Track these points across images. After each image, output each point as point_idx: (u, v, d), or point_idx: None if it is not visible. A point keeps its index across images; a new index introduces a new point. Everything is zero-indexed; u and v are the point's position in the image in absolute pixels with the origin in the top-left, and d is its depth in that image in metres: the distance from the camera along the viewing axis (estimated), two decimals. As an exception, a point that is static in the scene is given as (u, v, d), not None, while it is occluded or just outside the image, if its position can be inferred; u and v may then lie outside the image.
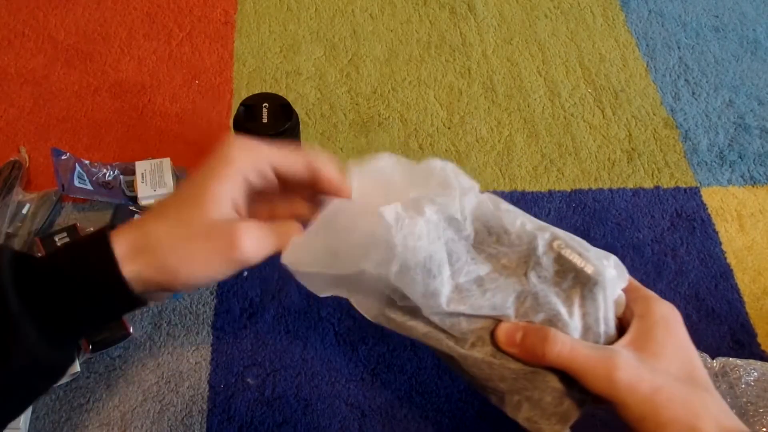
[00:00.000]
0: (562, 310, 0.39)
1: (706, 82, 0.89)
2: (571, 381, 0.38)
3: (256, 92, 0.70)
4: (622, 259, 0.70)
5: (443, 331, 0.40)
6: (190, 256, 0.38)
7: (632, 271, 0.69)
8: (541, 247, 0.39)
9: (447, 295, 0.38)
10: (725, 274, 0.70)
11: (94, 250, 0.37)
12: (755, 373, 0.57)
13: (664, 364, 0.38)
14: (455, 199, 0.40)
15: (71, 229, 0.66)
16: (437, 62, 0.88)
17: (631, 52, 0.92)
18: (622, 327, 0.41)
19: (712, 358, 0.59)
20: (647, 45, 0.93)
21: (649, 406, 0.36)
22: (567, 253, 0.39)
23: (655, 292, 0.68)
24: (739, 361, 0.58)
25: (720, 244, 0.73)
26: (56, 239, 0.65)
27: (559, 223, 0.73)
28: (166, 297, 0.41)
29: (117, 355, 0.60)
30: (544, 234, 0.40)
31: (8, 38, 0.85)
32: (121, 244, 0.37)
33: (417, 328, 0.40)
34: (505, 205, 0.42)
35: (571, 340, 0.38)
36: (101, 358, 0.60)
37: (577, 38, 0.93)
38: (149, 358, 0.60)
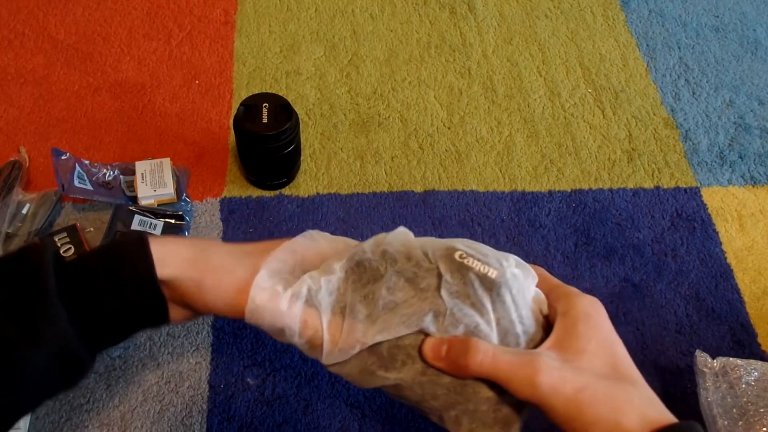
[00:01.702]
0: (479, 320, 0.39)
1: (707, 82, 0.89)
2: (501, 388, 0.38)
3: (256, 92, 0.70)
4: (623, 258, 0.70)
5: (374, 360, 0.40)
6: (224, 267, 0.40)
7: (632, 271, 0.69)
8: (443, 264, 0.40)
9: (361, 329, 0.39)
10: (725, 274, 0.70)
11: (132, 248, 0.39)
12: (756, 373, 0.57)
13: (587, 361, 0.37)
14: (364, 244, 0.41)
15: (71, 229, 0.66)
16: (437, 62, 0.88)
17: (631, 52, 0.92)
18: (550, 326, 0.40)
19: (713, 358, 0.59)
20: (647, 45, 0.93)
21: (574, 406, 0.36)
22: (469, 262, 0.39)
23: (655, 292, 0.68)
24: (739, 361, 0.58)
25: (720, 244, 0.73)
26: (56, 239, 0.65)
27: (559, 223, 0.73)
28: (188, 318, 0.42)
29: (117, 355, 0.60)
30: (446, 247, 0.40)
31: (8, 38, 0.85)
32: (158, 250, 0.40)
33: (352, 373, 0.41)
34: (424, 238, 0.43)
35: (493, 347, 0.38)
36: (101, 358, 0.60)
37: (577, 38, 0.93)
38: (149, 358, 0.60)
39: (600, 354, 0.38)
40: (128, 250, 0.39)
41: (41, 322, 0.35)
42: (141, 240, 0.39)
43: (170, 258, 0.39)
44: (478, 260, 0.39)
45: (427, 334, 0.39)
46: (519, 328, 0.39)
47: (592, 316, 0.39)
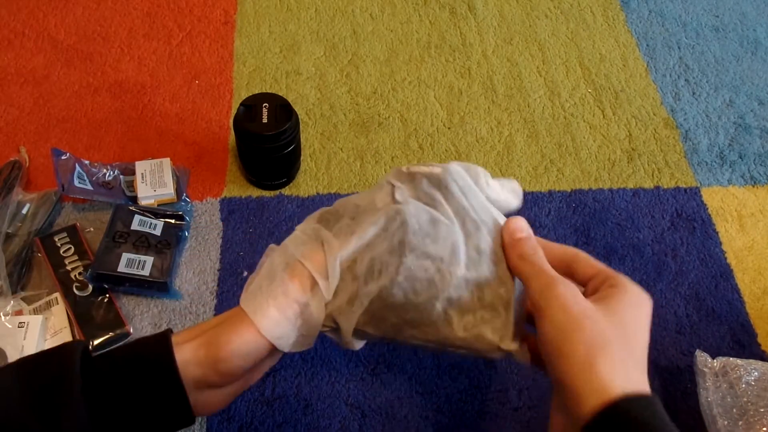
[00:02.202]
0: (435, 213, 0.41)
1: (707, 82, 0.89)
2: (476, 273, 0.41)
3: (256, 92, 0.70)
4: (623, 258, 0.70)
5: (357, 284, 0.42)
6: (242, 324, 0.41)
7: (632, 271, 0.69)
8: (393, 179, 0.44)
9: (337, 244, 0.43)
10: (725, 274, 0.70)
11: (155, 344, 0.40)
12: (756, 373, 0.57)
13: (610, 314, 0.38)
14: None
15: (71, 229, 0.67)
16: (437, 62, 0.88)
17: (631, 52, 0.92)
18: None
19: (713, 358, 0.59)
20: (647, 45, 0.93)
21: (570, 326, 0.37)
22: (415, 169, 0.43)
23: (655, 292, 0.68)
24: (739, 361, 0.58)
25: (720, 244, 0.73)
26: (56, 239, 0.65)
27: (559, 223, 0.73)
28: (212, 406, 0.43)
29: (117, 355, 0.60)
30: (394, 168, 0.45)
31: (8, 38, 0.85)
32: (182, 337, 0.41)
33: (342, 305, 0.42)
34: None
35: (541, 254, 0.41)
36: (101, 358, 0.60)
37: (577, 38, 0.93)
38: (149, 358, 0.60)
39: (625, 323, 0.38)
40: (151, 352, 0.39)
41: (63, 420, 0.35)
42: (165, 339, 0.40)
43: (190, 357, 0.40)
44: (423, 166, 0.43)
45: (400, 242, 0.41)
46: (474, 215, 0.42)
47: (635, 298, 0.39)
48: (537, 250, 0.41)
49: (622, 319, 0.38)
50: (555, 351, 0.37)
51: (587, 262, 0.42)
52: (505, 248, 0.42)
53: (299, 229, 0.44)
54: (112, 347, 0.40)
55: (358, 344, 0.45)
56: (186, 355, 0.39)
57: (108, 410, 0.37)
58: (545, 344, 0.38)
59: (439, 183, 0.42)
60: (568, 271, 0.42)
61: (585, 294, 0.40)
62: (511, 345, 0.41)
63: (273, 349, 0.41)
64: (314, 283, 0.42)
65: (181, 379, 0.38)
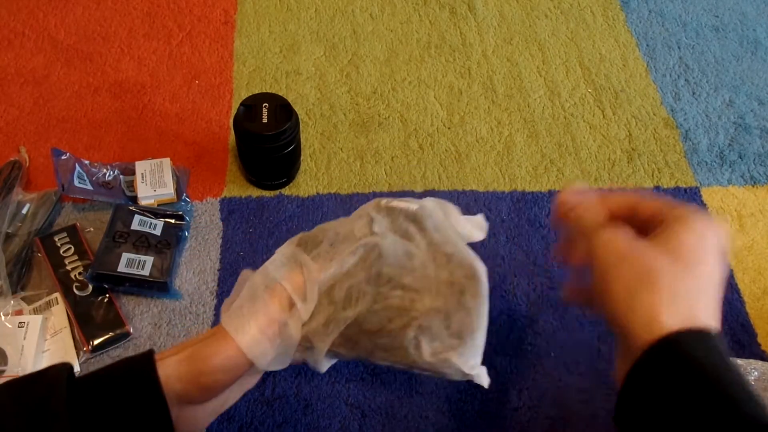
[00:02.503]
0: (409, 246, 0.44)
1: (706, 82, 0.89)
2: (445, 301, 0.43)
3: (256, 92, 0.70)
4: (623, 259, 0.70)
5: (333, 307, 0.44)
6: (225, 339, 0.41)
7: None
8: (372, 211, 0.46)
9: (316, 268, 0.45)
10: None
11: (138, 361, 0.40)
12: (756, 373, 0.57)
13: (668, 247, 0.36)
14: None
15: (71, 229, 0.67)
16: (437, 62, 0.88)
17: (631, 52, 0.92)
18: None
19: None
20: (647, 45, 0.93)
21: (615, 261, 0.36)
22: (393, 204, 0.46)
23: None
24: (739, 361, 0.58)
25: (724, 244, 0.73)
26: (56, 239, 0.65)
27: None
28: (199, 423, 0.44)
29: (117, 355, 0.60)
30: (373, 201, 0.47)
31: (8, 38, 0.85)
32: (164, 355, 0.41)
33: (318, 328, 0.44)
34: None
35: (590, 215, 0.41)
36: (101, 359, 0.60)
37: (577, 38, 0.93)
38: (149, 358, 0.60)
39: (682, 252, 0.35)
40: (135, 368, 0.40)
41: None
42: (148, 355, 0.40)
43: (172, 371, 0.40)
44: (402, 202, 0.46)
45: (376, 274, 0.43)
46: (444, 249, 0.44)
47: (697, 225, 0.37)
48: (585, 214, 0.41)
49: (679, 248, 0.35)
50: (601, 292, 0.36)
51: (647, 201, 0.40)
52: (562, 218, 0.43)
53: (279, 252, 0.46)
54: (98, 368, 0.41)
55: (327, 364, 0.46)
56: (169, 369, 0.40)
57: (92, 426, 0.37)
58: (595, 291, 0.37)
59: (415, 218, 0.45)
60: (632, 216, 0.41)
61: (650, 234, 0.38)
62: (473, 370, 0.44)
63: (252, 367, 0.42)
64: (293, 304, 0.43)
65: (163, 392, 0.39)
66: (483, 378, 0.45)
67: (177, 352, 0.41)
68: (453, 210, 0.48)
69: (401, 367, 0.45)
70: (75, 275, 0.63)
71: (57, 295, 0.62)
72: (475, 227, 0.49)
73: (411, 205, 0.46)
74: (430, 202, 0.47)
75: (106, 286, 0.63)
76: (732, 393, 0.31)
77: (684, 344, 0.32)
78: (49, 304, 0.62)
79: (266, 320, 0.42)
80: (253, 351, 0.41)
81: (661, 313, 0.33)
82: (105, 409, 0.38)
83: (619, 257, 0.36)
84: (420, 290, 0.43)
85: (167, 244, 0.65)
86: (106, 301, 0.62)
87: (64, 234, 0.66)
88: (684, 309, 0.33)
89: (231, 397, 0.46)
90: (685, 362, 0.31)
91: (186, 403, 0.41)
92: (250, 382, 0.48)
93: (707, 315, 0.34)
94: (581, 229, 0.41)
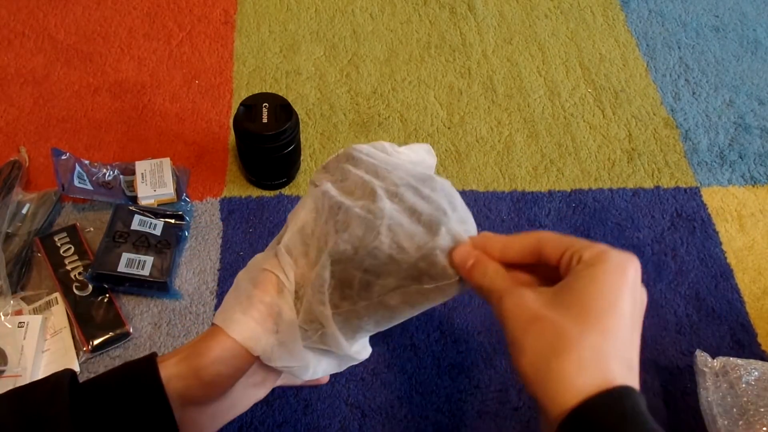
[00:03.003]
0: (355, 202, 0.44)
1: (707, 82, 0.89)
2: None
3: (256, 92, 0.70)
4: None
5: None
6: (221, 331, 0.42)
7: (632, 271, 0.69)
8: (314, 176, 0.47)
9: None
10: (725, 274, 0.70)
11: (140, 363, 0.40)
12: (756, 373, 0.57)
13: (572, 307, 0.33)
14: None
15: (71, 229, 0.67)
16: (437, 62, 0.88)
17: (631, 52, 0.92)
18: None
19: (713, 358, 0.59)
20: (647, 45, 0.93)
21: (521, 330, 0.34)
22: (326, 161, 0.47)
23: (655, 292, 0.69)
24: (739, 361, 0.58)
25: (720, 244, 0.73)
26: (56, 239, 0.65)
27: (559, 223, 0.73)
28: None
29: (117, 355, 0.60)
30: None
31: (8, 38, 0.85)
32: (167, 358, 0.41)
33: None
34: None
35: (495, 272, 0.38)
36: (101, 359, 0.60)
37: (577, 38, 0.93)
38: (149, 358, 0.60)
39: (590, 308, 0.33)
40: (137, 371, 0.40)
41: None
42: (150, 358, 0.40)
43: (173, 371, 0.40)
44: (332, 156, 0.47)
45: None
46: (384, 166, 0.44)
47: (604, 271, 0.34)
48: (487, 270, 0.38)
49: (582, 303, 0.33)
50: (514, 361, 0.34)
51: (552, 243, 0.38)
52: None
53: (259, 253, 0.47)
54: (100, 373, 0.41)
55: (350, 345, 0.45)
56: (169, 370, 0.40)
57: (95, 430, 0.37)
58: (511, 356, 0.35)
59: (347, 157, 0.46)
60: (538, 262, 0.38)
61: (559, 277, 0.36)
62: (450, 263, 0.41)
63: (257, 362, 0.42)
64: (279, 287, 0.43)
65: (166, 393, 0.39)
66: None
67: (176, 353, 0.41)
68: (387, 145, 0.47)
69: (409, 298, 0.42)
70: (75, 275, 0.63)
71: (57, 295, 0.62)
72: (424, 152, 0.49)
73: (339, 151, 0.47)
74: (358, 145, 0.47)
75: (106, 286, 0.63)
76: None
77: (592, 415, 0.30)
78: (49, 304, 0.62)
79: (250, 303, 0.42)
80: (243, 335, 0.41)
81: (572, 380, 0.31)
82: (108, 414, 0.38)
83: (526, 323, 0.34)
84: (370, 199, 0.43)
85: (167, 244, 0.65)
86: (106, 301, 0.62)
87: (64, 234, 0.66)
88: (595, 371, 0.31)
89: (238, 404, 0.46)
90: (603, 429, 0.30)
91: (190, 404, 0.41)
92: (259, 392, 0.47)
93: (620, 370, 0.32)
94: (484, 293, 0.38)
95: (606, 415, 0.30)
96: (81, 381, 0.40)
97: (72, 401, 0.37)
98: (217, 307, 0.64)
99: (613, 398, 0.31)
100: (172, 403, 0.39)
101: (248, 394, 0.47)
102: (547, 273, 0.38)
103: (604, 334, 0.32)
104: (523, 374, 0.33)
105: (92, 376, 0.41)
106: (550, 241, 0.38)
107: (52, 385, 0.39)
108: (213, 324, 0.43)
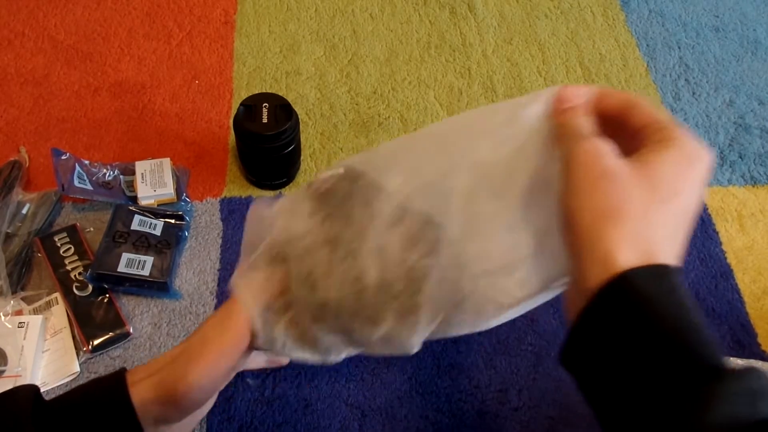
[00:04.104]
0: None
1: (707, 82, 0.89)
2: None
3: (256, 92, 0.70)
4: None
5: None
6: (197, 356, 0.40)
7: (632, 271, 0.69)
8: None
9: None
10: (725, 274, 0.70)
11: (109, 386, 0.39)
12: (755, 373, 0.57)
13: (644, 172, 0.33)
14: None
15: (71, 229, 0.67)
16: (437, 62, 0.88)
17: (631, 52, 0.92)
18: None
19: (713, 358, 0.59)
20: (647, 45, 0.93)
21: (586, 184, 0.33)
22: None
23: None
24: (739, 361, 0.58)
25: (720, 244, 0.73)
26: (56, 239, 0.65)
27: (559, 223, 0.73)
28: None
29: (117, 355, 0.60)
30: None
31: (8, 38, 0.85)
32: (135, 374, 0.40)
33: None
34: None
35: (580, 121, 0.37)
36: (101, 359, 0.60)
37: (577, 38, 0.93)
38: (149, 358, 0.60)
39: (661, 182, 0.33)
40: (106, 394, 0.39)
41: None
42: (120, 379, 0.39)
43: (147, 395, 0.39)
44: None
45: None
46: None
47: (684, 153, 0.34)
48: (579, 113, 0.37)
49: (656, 176, 0.33)
50: (564, 217, 0.33)
51: (643, 110, 0.36)
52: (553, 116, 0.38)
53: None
54: (65, 392, 0.40)
55: (417, 345, 0.43)
56: (143, 394, 0.39)
57: None
58: (561, 208, 0.34)
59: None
60: (624, 123, 0.37)
61: (635, 149, 0.35)
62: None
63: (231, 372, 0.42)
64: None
65: (139, 419, 0.38)
66: None
67: (150, 374, 0.40)
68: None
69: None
70: (75, 275, 0.63)
71: (57, 295, 0.62)
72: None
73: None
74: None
75: (106, 286, 0.63)
76: (683, 335, 0.29)
77: (635, 283, 0.30)
78: (49, 304, 0.62)
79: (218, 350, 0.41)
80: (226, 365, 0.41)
81: (618, 250, 0.31)
82: None
83: (597, 176, 0.33)
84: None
85: (167, 244, 0.65)
86: (106, 301, 0.62)
87: (64, 234, 0.66)
88: (643, 245, 0.31)
89: (204, 409, 0.46)
90: (636, 302, 0.30)
91: (163, 423, 0.40)
92: (226, 383, 0.47)
93: (668, 251, 0.32)
94: (563, 134, 0.37)
95: (646, 286, 0.30)
96: (48, 399, 0.38)
97: (36, 424, 0.36)
98: (217, 306, 0.64)
99: (657, 272, 0.31)
100: (144, 424, 0.38)
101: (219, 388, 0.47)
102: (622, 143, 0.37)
103: (667, 213, 0.33)
104: (573, 224, 0.33)
105: (85, 380, 0.40)
106: (642, 108, 0.37)
107: (13, 404, 0.37)
108: (194, 336, 0.42)
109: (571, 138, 0.36)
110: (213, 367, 0.40)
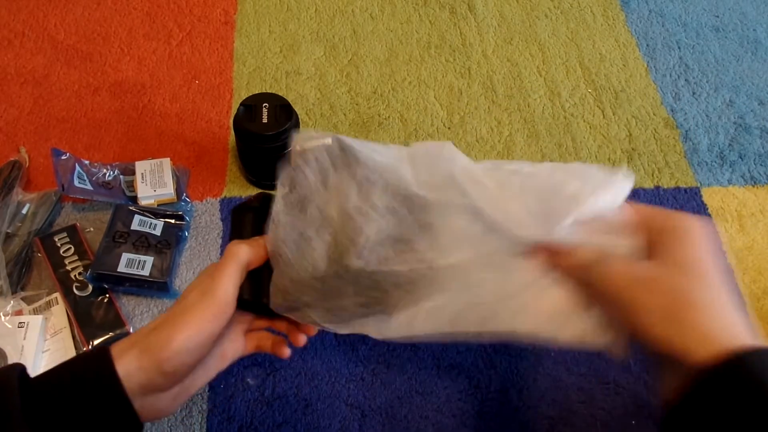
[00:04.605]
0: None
1: (707, 82, 0.89)
2: None
3: (256, 92, 0.70)
4: (623, 259, 0.70)
5: None
6: (180, 321, 0.41)
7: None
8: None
9: None
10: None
11: (94, 358, 0.39)
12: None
13: (665, 261, 0.36)
14: None
15: (71, 229, 0.67)
16: (437, 62, 0.88)
17: (632, 52, 0.91)
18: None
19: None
20: (647, 45, 0.93)
21: (639, 284, 0.36)
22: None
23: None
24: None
25: (720, 244, 0.73)
26: (56, 239, 0.65)
27: (559, 223, 0.73)
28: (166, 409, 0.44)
29: (117, 355, 0.60)
30: None
31: (8, 38, 0.85)
32: (119, 347, 0.40)
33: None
34: None
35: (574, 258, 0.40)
36: (101, 358, 0.60)
37: (577, 38, 0.93)
38: (149, 358, 0.60)
39: (692, 267, 0.36)
40: (91, 367, 0.39)
41: None
42: (104, 352, 0.39)
43: (133, 365, 0.39)
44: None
45: None
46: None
47: (689, 236, 0.37)
48: (582, 255, 0.40)
49: (687, 263, 0.36)
50: (626, 321, 0.36)
51: (640, 214, 0.40)
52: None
53: None
54: (50, 369, 0.39)
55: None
56: (129, 364, 0.39)
57: (51, 430, 0.36)
58: (613, 320, 0.37)
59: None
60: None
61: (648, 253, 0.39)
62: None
63: (217, 344, 0.42)
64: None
65: (125, 388, 0.38)
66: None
67: (134, 343, 0.40)
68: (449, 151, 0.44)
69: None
70: (75, 275, 0.63)
71: (57, 295, 0.62)
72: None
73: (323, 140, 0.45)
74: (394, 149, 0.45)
75: (106, 286, 0.63)
76: None
77: (750, 364, 0.32)
78: (49, 304, 0.62)
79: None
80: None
81: (711, 329, 0.33)
82: (64, 416, 0.37)
83: (637, 284, 0.36)
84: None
85: (167, 244, 0.65)
86: (106, 301, 0.62)
87: (64, 234, 0.66)
88: (727, 323, 0.34)
89: (200, 379, 0.45)
90: (754, 383, 0.32)
91: (151, 393, 0.40)
92: (224, 362, 0.47)
93: (746, 320, 0.35)
94: (573, 271, 0.40)
95: (762, 368, 0.32)
96: (33, 377, 0.39)
97: (23, 401, 0.36)
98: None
99: (763, 354, 0.33)
100: (131, 395, 0.38)
101: (211, 365, 0.46)
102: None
103: (715, 289, 0.35)
104: (645, 330, 0.35)
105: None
106: (638, 210, 0.41)
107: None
108: (177, 302, 0.42)
109: (583, 270, 0.39)
110: (197, 332, 0.40)
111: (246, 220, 0.49)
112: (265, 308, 0.46)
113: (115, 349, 0.40)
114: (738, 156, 0.81)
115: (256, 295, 0.45)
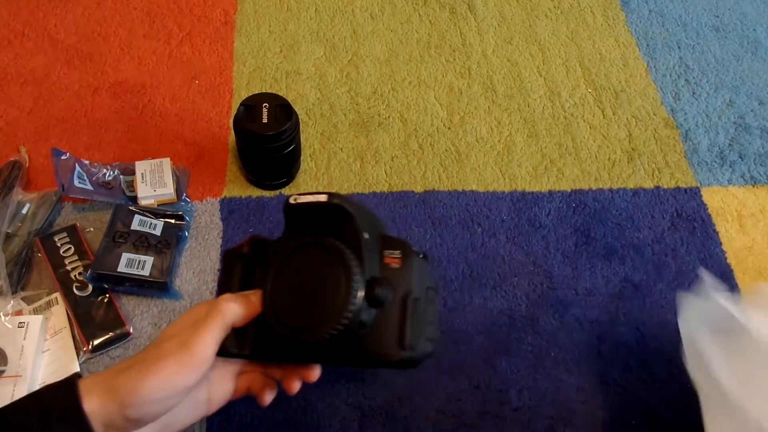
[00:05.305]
0: None
1: (707, 82, 0.89)
2: None
3: (256, 92, 0.70)
4: (623, 258, 0.70)
5: None
6: (152, 369, 0.39)
7: (632, 271, 0.69)
8: None
9: None
10: (725, 274, 0.70)
11: (62, 394, 0.38)
12: (755, 373, 0.57)
13: None
14: None
15: (71, 229, 0.67)
16: (437, 62, 0.88)
17: (632, 52, 0.91)
18: None
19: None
20: (647, 45, 0.93)
21: None
22: None
23: (655, 292, 0.69)
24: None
25: (720, 244, 0.73)
26: (56, 239, 0.65)
27: (559, 223, 0.73)
28: None
29: (117, 355, 0.60)
30: None
31: (8, 38, 0.85)
32: (85, 383, 0.39)
33: None
34: None
35: None
36: (101, 359, 0.60)
37: (577, 38, 0.93)
38: (149, 358, 0.60)
39: None
40: (58, 402, 0.38)
41: None
42: (72, 387, 0.38)
43: (98, 406, 0.38)
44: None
45: None
46: None
47: None
48: None
49: None
50: None
51: None
52: None
53: None
54: (17, 399, 0.39)
55: None
56: (93, 403, 0.38)
57: None
58: None
59: None
60: None
61: None
62: None
63: (200, 386, 0.41)
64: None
65: (92, 426, 0.37)
66: None
67: (101, 381, 0.39)
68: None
69: None
70: (75, 275, 0.63)
71: (57, 295, 0.62)
72: None
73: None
74: None
75: (106, 286, 0.63)
76: None
77: None
78: (49, 304, 0.62)
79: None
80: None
81: None
82: None
83: None
84: None
85: (167, 244, 0.65)
86: (106, 301, 0.62)
87: (64, 234, 0.66)
88: None
89: (176, 424, 0.44)
90: None
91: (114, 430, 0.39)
92: (202, 408, 0.45)
93: None
94: None
95: None
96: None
97: None
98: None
99: None
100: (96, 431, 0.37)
101: (194, 409, 0.45)
102: None
103: None
104: None
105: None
106: None
107: None
108: (151, 345, 0.41)
109: None
110: (166, 383, 0.39)
111: (236, 268, 0.47)
112: (252, 357, 0.45)
113: (83, 384, 0.39)
114: (738, 156, 0.81)
115: (240, 347, 0.44)
